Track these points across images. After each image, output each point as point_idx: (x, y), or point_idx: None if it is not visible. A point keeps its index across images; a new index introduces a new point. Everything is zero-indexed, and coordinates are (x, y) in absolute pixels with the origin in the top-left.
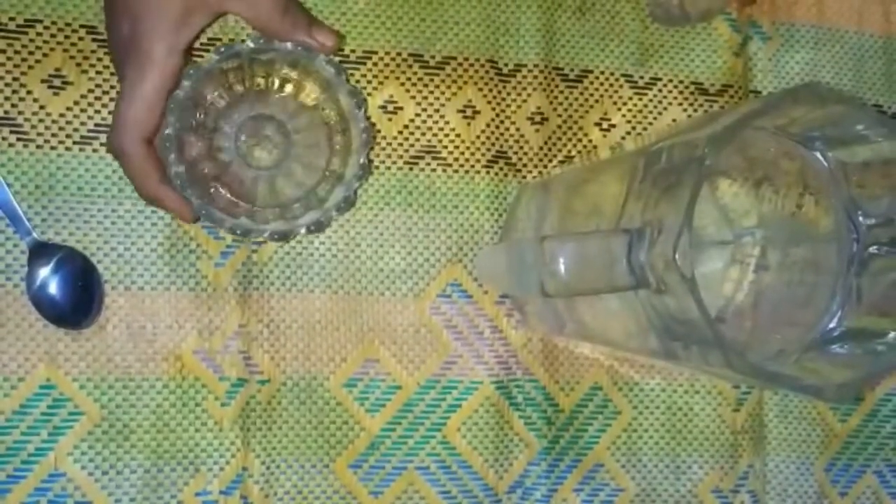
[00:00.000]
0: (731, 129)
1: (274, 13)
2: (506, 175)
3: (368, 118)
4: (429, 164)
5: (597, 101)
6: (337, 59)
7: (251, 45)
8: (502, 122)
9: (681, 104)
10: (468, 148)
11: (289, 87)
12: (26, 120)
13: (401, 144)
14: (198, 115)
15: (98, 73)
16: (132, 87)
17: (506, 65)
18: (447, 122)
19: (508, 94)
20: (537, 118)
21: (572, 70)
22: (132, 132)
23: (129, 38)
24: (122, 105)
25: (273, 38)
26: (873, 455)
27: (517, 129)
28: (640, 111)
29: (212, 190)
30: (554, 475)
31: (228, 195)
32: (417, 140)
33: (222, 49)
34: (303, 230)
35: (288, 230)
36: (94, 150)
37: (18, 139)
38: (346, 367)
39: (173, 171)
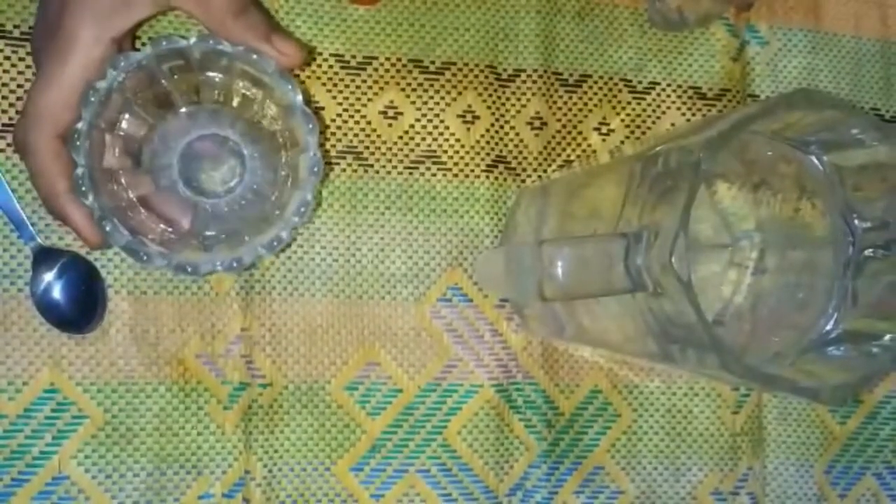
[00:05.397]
0: (726, 134)
1: (227, 12)
2: (505, 179)
3: (322, 145)
4: (429, 168)
5: (595, 105)
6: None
7: (193, 40)
8: (502, 126)
9: (679, 108)
10: (468, 153)
11: (251, 108)
12: None
13: (401, 150)
14: (125, 117)
15: None
16: (49, 75)
17: (505, 70)
18: (447, 127)
19: (508, 98)
20: (536, 123)
21: (571, 75)
22: (43, 125)
23: (55, 18)
24: (34, 94)
25: (225, 40)
26: (873, 457)
27: (516, 134)
28: (639, 115)
29: (123, 203)
30: (554, 478)
31: (143, 215)
32: (417, 145)
33: (163, 42)
34: (219, 266)
35: (198, 263)
36: None
37: None
38: (348, 371)
39: (77, 171)
